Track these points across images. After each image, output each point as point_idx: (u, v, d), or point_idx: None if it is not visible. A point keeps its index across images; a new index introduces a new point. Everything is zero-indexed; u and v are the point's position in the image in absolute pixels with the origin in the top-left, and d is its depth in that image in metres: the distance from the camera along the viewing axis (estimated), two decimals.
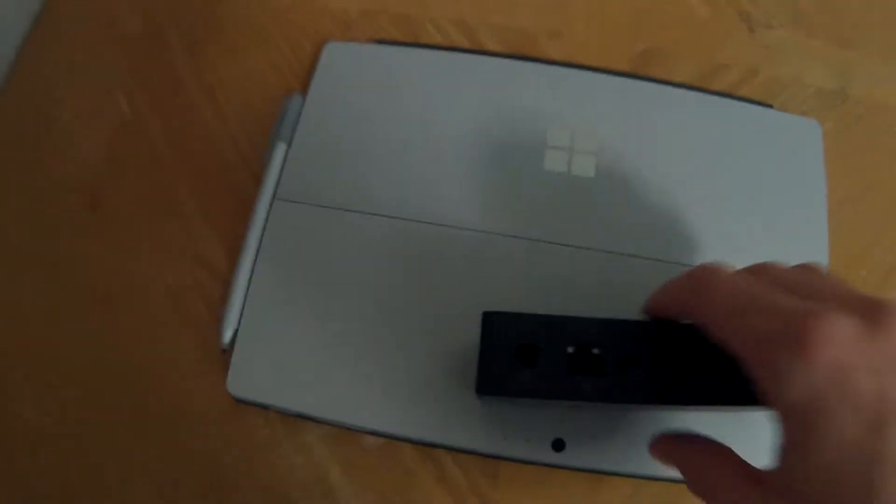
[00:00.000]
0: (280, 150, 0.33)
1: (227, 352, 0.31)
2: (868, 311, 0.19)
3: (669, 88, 0.36)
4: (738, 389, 0.22)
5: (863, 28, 0.42)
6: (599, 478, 0.30)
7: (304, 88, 0.35)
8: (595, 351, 0.24)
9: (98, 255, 0.34)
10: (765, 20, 0.41)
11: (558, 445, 0.29)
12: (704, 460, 0.23)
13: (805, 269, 0.23)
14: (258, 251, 0.32)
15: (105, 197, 0.35)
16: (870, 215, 0.36)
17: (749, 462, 0.22)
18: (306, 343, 0.30)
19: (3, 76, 0.39)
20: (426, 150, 0.33)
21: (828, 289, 0.21)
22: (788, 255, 0.32)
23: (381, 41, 0.37)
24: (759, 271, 0.23)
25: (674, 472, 0.26)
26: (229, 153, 0.35)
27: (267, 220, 0.32)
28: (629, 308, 0.26)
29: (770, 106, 0.37)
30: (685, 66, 0.38)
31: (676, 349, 0.23)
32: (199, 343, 0.32)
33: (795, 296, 0.20)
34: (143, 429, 0.31)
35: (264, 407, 0.31)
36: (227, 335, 0.31)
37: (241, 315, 0.31)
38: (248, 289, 0.31)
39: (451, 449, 0.30)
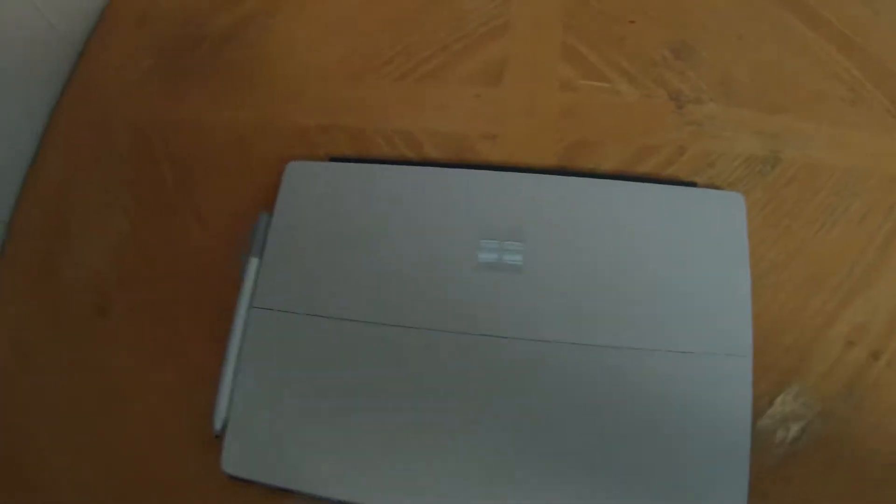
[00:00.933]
0: (253, 265, 0.39)
1: (220, 437, 0.37)
2: None
3: (592, 181, 0.39)
4: None
5: (794, 92, 0.43)
6: None
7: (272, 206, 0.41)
8: None
9: (107, 356, 0.40)
10: (695, 95, 0.43)
11: None
12: None
13: None
14: (239, 352, 0.38)
15: (111, 303, 0.41)
16: (797, 280, 0.38)
17: None
18: (286, 427, 0.36)
19: (17, 191, 0.45)
20: (381, 256, 0.38)
21: None
22: (712, 326, 0.35)
23: (335, 158, 0.42)
24: None
25: None
26: (214, 266, 0.41)
27: (245, 325, 0.38)
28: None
29: (694, 184, 0.40)
30: (614, 153, 0.41)
31: None
32: (198, 429, 0.38)
33: None
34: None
35: (254, 483, 0.37)
36: (218, 423, 0.37)
37: (230, 406, 0.37)
38: (233, 383, 0.37)
39: None
